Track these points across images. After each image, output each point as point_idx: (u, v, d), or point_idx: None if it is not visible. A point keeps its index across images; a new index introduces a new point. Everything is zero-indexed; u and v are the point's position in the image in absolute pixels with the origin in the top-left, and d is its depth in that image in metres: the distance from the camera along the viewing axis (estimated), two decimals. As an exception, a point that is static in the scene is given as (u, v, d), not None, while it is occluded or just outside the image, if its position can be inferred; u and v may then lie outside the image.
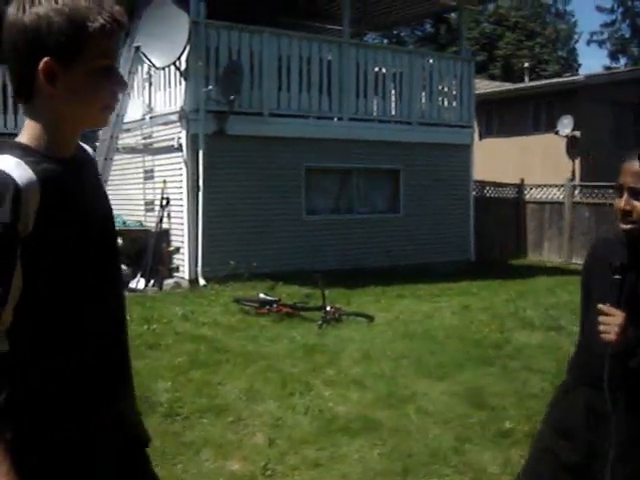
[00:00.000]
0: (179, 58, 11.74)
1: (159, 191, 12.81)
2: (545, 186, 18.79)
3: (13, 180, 1.58)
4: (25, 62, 1.66)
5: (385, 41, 36.67)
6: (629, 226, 2.27)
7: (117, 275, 1.95)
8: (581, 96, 21.59)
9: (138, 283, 11.57)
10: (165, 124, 12.45)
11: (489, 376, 6.84)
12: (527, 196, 19.07)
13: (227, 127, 12.18)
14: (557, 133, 21.42)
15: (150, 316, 8.91)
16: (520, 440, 5.06)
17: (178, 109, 12.14)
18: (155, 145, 12.92)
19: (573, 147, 21.53)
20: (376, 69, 14.30)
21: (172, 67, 11.98)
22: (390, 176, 14.64)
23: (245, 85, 12.35)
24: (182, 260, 12.32)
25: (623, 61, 52.70)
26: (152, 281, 11.74)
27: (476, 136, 17.03)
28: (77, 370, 1.75)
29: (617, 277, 2.25)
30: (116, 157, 13.76)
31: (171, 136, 12.34)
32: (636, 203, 2.24)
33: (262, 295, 9.96)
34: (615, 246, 2.39)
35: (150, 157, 13.12)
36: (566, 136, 21.53)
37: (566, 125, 21.47)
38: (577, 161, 21.56)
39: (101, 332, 1.80)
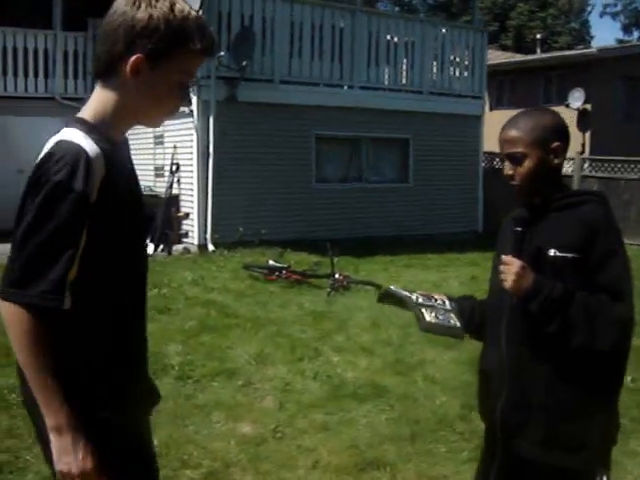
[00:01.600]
0: (191, 23, 11.68)
1: (169, 157, 12.84)
2: (554, 159, 18.70)
3: (85, 151, 1.78)
4: (120, 48, 1.83)
5: (397, 9, 36.34)
6: (516, 189, 2.42)
7: (145, 239, 2.24)
8: (593, 69, 21.44)
9: (147, 248, 11.60)
10: (176, 89, 12.39)
11: (496, 346, 6.90)
12: (536, 168, 18.97)
13: (238, 94, 12.17)
14: (568, 106, 21.24)
15: (160, 281, 8.98)
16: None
17: (189, 75, 12.12)
18: (166, 110, 12.89)
19: (583, 120, 21.41)
20: (388, 37, 14.23)
21: (184, 32, 11.92)
22: (400, 145, 14.63)
23: (257, 51, 12.33)
24: (191, 226, 12.38)
25: (637, 34, 52.26)
26: (161, 246, 11.79)
27: (486, 107, 16.96)
28: (126, 315, 2.00)
29: (517, 229, 2.41)
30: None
31: (182, 102, 12.32)
32: (515, 167, 2.39)
33: (271, 262, 10.03)
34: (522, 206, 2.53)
35: (160, 122, 13.11)
36: (577, 109, 21.38)
37: (577, 98, 21.31)
38: (587, 134, 21.45)
39: (140, 283, 2.07)
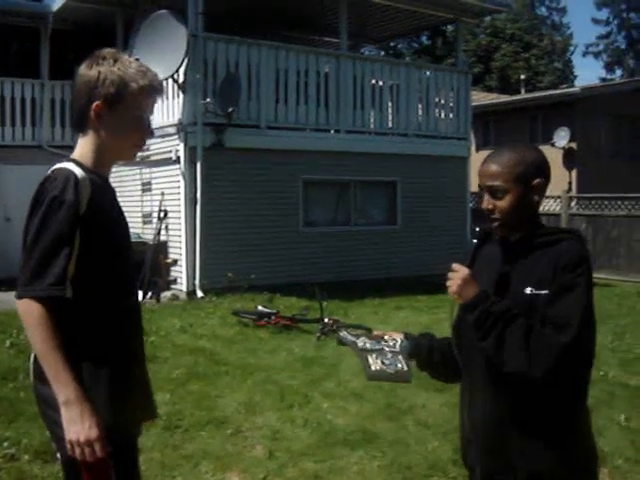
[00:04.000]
0: (177, 71, 11.77)
1: (157, 203, 12.81)
2: (542, 198, 18.80)
3: (75, 174, 2.28)
4: (84, 102, 2.39)
5: (382, 53, 36.73)
6: (495, 224, 2.41)
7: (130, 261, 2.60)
8: (577, 108, 21.70)
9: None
10: (163, 137, 12.43)
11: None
12: (524, 208, 19.06)
13: (225, 139, 12.22)
14: (553, 145, 21.48)
15: (148, 328, 8.89)
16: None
17: (176, 122, 12.17)
18: (153, 157, 12.94)
19: (569, 159, 21.59)
20: (373, 81, 14.35)
21: (170, 80, 11.98)
22: (387, 188, 14.67)
23: (243, 98, 12.39)
24: (180, 272, 12.32)
25: (619, 72, 53.13)
26: (150, 293, 11.71)
27: (473, 148, 17.08)
28: (120, 314, 2.41)
29: (475, 241, 2.45)
30: (114, 169, 13.71)
31: (169, 148, 12.36)
32: (495, 201, 2.38)
33: (260, 307, 9.96)
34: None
35: (148, 169, 13.14)
36: (562, 148, 21.61)
37: (562, 137, 21.55)
38: (574, 173, 21.63)
39: (131, 291, 2.54)
